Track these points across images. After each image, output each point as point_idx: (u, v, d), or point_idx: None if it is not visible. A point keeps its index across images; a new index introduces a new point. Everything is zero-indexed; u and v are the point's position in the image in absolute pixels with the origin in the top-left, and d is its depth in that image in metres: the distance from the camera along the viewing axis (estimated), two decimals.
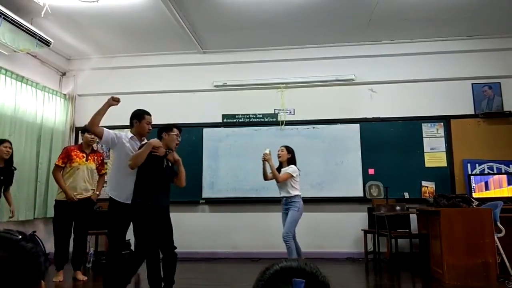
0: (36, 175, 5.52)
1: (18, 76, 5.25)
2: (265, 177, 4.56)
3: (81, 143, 4.69)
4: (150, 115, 3.57)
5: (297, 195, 4.41)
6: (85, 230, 4.52)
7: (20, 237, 0.82)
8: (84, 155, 4.50)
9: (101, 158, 4.73)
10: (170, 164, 3.49)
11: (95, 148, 4.87)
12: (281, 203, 4.53)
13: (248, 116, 6.08)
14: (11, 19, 4.28)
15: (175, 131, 3.49)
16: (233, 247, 5.74)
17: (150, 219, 3.27)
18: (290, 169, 4.43)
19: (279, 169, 4.52)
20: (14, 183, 4.71)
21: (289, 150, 4.58)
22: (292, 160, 4.54)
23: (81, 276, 4.43)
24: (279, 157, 4.55)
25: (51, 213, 5.73)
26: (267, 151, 4.42)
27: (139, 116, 3.52)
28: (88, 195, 4.50)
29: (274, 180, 4.54)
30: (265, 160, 4.43)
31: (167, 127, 3.50)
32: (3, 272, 0.75)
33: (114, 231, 3.44)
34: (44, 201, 5.67)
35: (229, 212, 5.84)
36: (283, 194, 4.46)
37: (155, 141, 3.37)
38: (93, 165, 4.57)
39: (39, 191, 5.53)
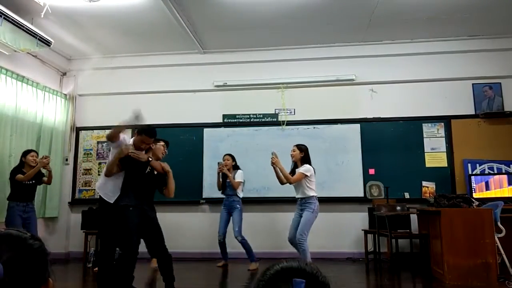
0: None
1: (19, 76, 5.26)
2: (280, 181, 4.39)
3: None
4: (151, 137, 3.53)
5: (313, 196, 4.27)
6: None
7: (29, 235, 0.84)
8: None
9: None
10: (155, 172, 3.60)
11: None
12: (296, 204, 4.39)
13: (248, 116, 6.08)
14: (11, 19, 4.28)
15: (162, 143, 3.70)
16: (233, 247, 5.73)
17: (131, 222, 3.37)
18: (303, 168, 4.25)
19: (294, 170, 4.38)
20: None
21: (301, 148, 4.39)
22: (306, 159, 4.36)
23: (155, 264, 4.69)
24: (292, 157, 4.41)
25: (50, 213, 5.76)
26: (272, 155, 4.27)
27: (140, 131, 3.52)
28: None
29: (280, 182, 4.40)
30: (273, 164, 4.26)
31: (156, 140, 3.64)
32: (14, 269, 0.76)
33: (105, 231, 3.55)
34: (43, 201, 5.66)
35: None
36: (299, 195, 4.32)
37: (125, 148, 3.44)
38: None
39: (37, 191, 5.50)
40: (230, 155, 5.17)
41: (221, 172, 5.03)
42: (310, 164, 4.34)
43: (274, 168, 4.31)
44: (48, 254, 0.85)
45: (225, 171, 4.98)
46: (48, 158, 4.59)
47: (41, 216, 5.65)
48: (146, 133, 3.48)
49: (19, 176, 4.41)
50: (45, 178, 4.78)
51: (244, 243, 4.94)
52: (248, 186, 5.71)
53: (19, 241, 0.81)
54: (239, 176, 5.07)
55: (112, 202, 3.50)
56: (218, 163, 5.05)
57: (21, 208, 4.48)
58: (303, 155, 4.36)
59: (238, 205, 5.05)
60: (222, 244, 5.09)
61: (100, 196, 3.60)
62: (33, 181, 4.58)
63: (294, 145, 4.46)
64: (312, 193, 4.26)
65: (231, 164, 5.09)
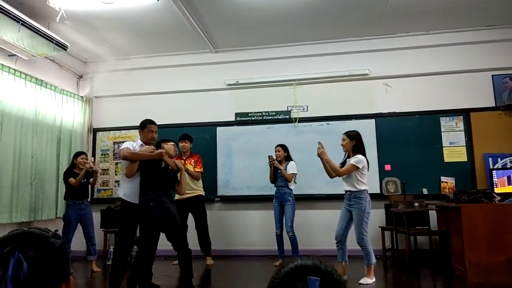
0: (57, 176, 5.65)
1: (38, 80, 5.38)
2: (330, 175, 4.05)
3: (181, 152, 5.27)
4: (153, 124, 3.81)
5: (363, 190, 3.88)
6: (203, 221, 5.19)
7: (51, 234, 0.86)
8: (183, 161, 5.07)
9: (196, 158, 5.28)
10: (169, 168, 3.78)
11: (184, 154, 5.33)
12: (344, 197, 4.06)
13: (261, 114, 6.07)
14: (29, 25, 4.38)
15: (172, 142, 3.91)
16: (248, 245, 5.75)
17: (152, 217, 3.44)
18: (354, 159, 3.87)
19: (345, 161, 4.06)
20: (37, 182, 5.21)
21: (351, 135, 3.98)
22: (358, 148, 3.95)
23: (210, 261, 5.17)
24: (342, 147, 4.05)
25: None
26: (319, 145, 3.93)
27: (142, 125, 3.81)
28: (195, 193, 5.15)
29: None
30: (320, 156, 3.93)
31: (165, 139, 3.92)
32: (37, 267, 0.78)
33: (123, 229, 3.69)
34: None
35: (244, 210, 5.85)
36: (348, 188, 3.95)
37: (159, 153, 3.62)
38: (190, 167, 5.15)
39: (60, 191, 5.63)
40: (281, 145, 5.12)
41: (272, 165, 5.01)
42: (363, 153, 3.95)
43: (322, 160, 3.98)
44: (70, 252, 0.87)
45: (276, 165, 4.96)
46: (90, 162, 4.90)
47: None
48: (148, 122, 3.77)
49: (71, 180, 4.78)
50: (91, 179, 5.03)
51: (293, 239, 4.89)
52: (262, 183, 5.70)
53: (41, 240, 0.83)
54: (291, 168, 4.99)
55: (131, 200, 3.62)
56: (269, 156, 5.01)
57: (78, 206, 4.80)
58: (354, 144, 3.94)
59: (290, 198, 4.95)
60: (280, 237, 5.02)
61: (121, 199, 3.71)
62: (85, 180, 4.89)
63: (344, 133, 4.06)
64: (363, 187, 3.89)
65: (283, 155, 5.06)
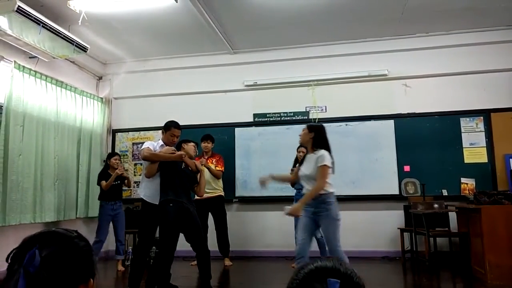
0: (77, 176, 5.72)
1: (58, 81, 5.47)
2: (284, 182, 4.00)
3: (203, 152, 5.34)
4: (178, 128, 3.82)
5: (331, 193, 3.13)
6: (223, 222, 5.22)
7: (75, 234, 0.87)
8: (204, 159, 5.14)
9: (217, 158, 5.36)
10: (189, 168, 3.80)
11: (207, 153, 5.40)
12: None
13: (279, 115, 6.07)
14: (49, 27, 4.44)
15: (192, 143, 3.94)
16: (266, 246, 5.76)
17: (171, 217, 3.48)
18: (320, 158, 3.11)
19: (304, 158, 3.41)
20: (59, 182, 5.28)
21: (312, 127, 3.30)
22: (320, 142, 3.21)
23: (228, 262, 5.14)
24: (300, 137, 3.39)
25: (92, 213, 5.93)
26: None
27: (166, 127, 3.84)
28: (215, 194, 5.21)
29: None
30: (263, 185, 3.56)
31: (186, 140, 3.99)
32: (56, 266, 0.79)
33: (143, 229, 3.75)
34: (86, 202, 5.83)
35: (262, 210, 5.86)
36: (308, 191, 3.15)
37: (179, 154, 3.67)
38: (212, 166, 5.24)
39: (80, 191, 5.72)
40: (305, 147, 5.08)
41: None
42: (327, 149, 3.19)
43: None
44: (94, 254, 0.88)
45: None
46: (121, 167, 5.14)
47: (84, 216, 5.83)
48: (173, 125, 3.78)
49: (102, 183, 5.01)
50: (126, 181, 5.32)
51: (321, 240, 4.77)
52: (280, 184, 5.68)
53: (64, 239, 0.84)
54: None
55: (151, 201, 3.67)
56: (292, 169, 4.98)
57: (110, 206, 5.02)
58: (313, 136, 3.23)
59: None
60: None
61: (142, 199, 3.77)
62: (118, 182, 5.12)
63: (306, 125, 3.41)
64: (331, 189, 3.13)
65: None
